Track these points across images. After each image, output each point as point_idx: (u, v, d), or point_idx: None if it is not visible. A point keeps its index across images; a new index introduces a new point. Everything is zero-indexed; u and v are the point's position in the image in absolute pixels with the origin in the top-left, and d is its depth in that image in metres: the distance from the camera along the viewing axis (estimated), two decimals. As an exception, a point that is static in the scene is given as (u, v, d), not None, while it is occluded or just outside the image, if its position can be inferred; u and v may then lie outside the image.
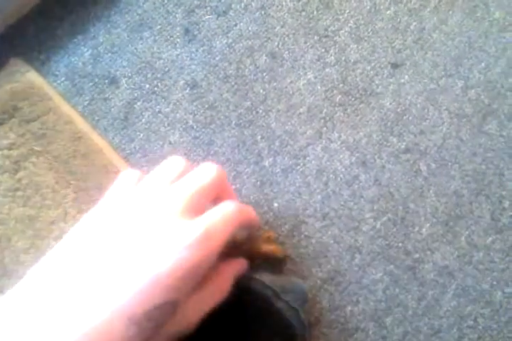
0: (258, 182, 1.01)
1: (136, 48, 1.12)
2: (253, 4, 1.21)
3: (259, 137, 1.06)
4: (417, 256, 0.92)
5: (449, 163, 1.04)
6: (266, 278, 0.71)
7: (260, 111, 1.11)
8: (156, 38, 1.14)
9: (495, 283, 0.91)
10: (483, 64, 1.21)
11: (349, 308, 0.86)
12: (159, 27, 1.16)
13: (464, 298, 0.89)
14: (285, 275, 0.83)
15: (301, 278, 0.85)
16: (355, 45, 1.24)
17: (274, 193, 0.99)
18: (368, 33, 1.26)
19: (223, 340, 0.60)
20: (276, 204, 0.97)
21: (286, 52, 1.25)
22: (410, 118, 1.12)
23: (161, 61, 1.14)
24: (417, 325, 0.86)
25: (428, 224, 0.96)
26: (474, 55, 1.19)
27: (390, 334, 0.85)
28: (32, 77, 0.92)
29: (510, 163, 1.04)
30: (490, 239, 0.95)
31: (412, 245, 0.93)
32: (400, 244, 0.93)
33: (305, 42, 1.25)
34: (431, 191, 1.00)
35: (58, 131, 0.81)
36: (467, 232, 0.95)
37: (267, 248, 0.29)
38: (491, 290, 0.90)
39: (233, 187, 0.98)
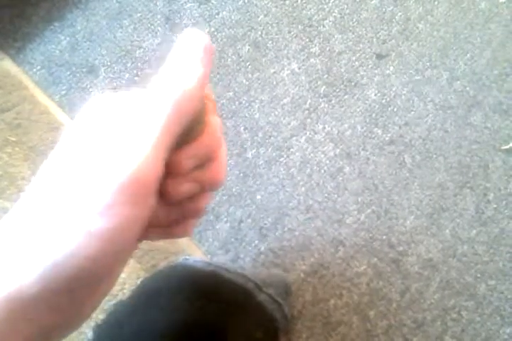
0: (241, 174, 1.01)
1: (115, 36, 1.11)
2: (236, -8, 1.21)
3: (242, 128, 1.06)
4: (400, 248, 0.94)
5: (434, 155, 1.05)
6: (247, 271, 0.71)
7: (243, 101, 1.11)
8: (136, 26, 1.13)
9: (479, 275, 0.93)
10: (468, 55, 1.23)
11: (332, 301, 0.87)
12: (139, 15, 1.15)
13: (448, 291, 0.91)
14: (267, 268, 0.84)
15: (284, 271, 0.86)
16: (340, 35, 1.24)
17: (257, 185, 1.00)
18: (353, 23, 1.27)
19: (204, 334, 0.60)
20: (259, 197, 0.97)
21: (270, 41, 1.25)
22: (395, 109, 1.14)
23: (141, 50, 1.13)
24: (400, 318, 0.88)
25: (412, 217, 0.97)
26: (460, 46, 1.21)
27: (374, 327, 0.86)
28: (6, 65, 0.90)
29: (495, 154, 1.06)
30: (474, 231, 0.97)
31: (396, 238, 0.95)
32: (384, 237, 0.94)
33: (289, 32, 1.25)
34: (415, 183, 1.01)
35: (34, 121, 0.81)
36: (451, 225, 0.97)
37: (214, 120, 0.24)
38: (474, 282, 0.92)
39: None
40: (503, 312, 0.89)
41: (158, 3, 1.16)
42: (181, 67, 0.28)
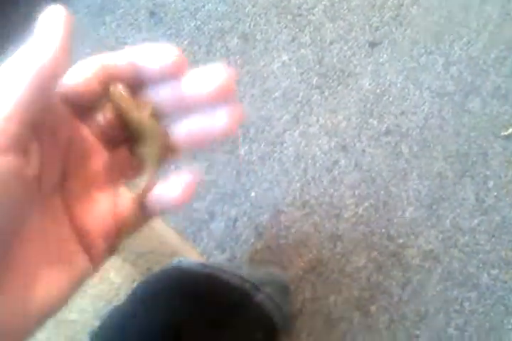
0: (234, 172, 1.01)
1: (98, 34, 1.11)
2: (222, -17, 1.20)
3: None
4: (400, 241, 0.94)
5: (432, 144, 1.05)
6: (244, 271, 0.71)
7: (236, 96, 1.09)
8: (120, 22, 1.12)
9: (481, 265, 0.93)
10: (464, 39, 1.22)
11: (332, 298, 0.87)
12: (122, 10, 1.14)
13: (450, 282, 0.91)
14: (264, 266, 0.84)
15: (282, 269, 0.86)
16: (331, 24, 1.23)
17: (251, 182, 0.99)
18: (344, 10, 1.26)
19: (203, 336, 0.61)
20: (253, 194, 0.97)
21: (259, 33, 1.24)
22: (390, 98, 1.13)
23: (126, 46, 1.11)
24: (402, 311, 0.88)
25: (411, 208, 0.97)
26: (455, 30, 1.20)
27: (375, 322, 0.86)
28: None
29: (495, 141, 1.05)
30: (475, 220, 0.97)
31: (395, 230, 0.95)
32: (383, 230, 0.94)
33: (278, 23, 1.24)
34: (414, 174, 1.01)
35: None
36: (452, 215, 0.97)
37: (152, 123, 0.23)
38: (477, 273, 0.92)
39: (208, 178, 0.98)
40: (506, 302, 0.89)
41: (141, -2, 1.15)
42: (38, 42, 0.28)
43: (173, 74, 0.29)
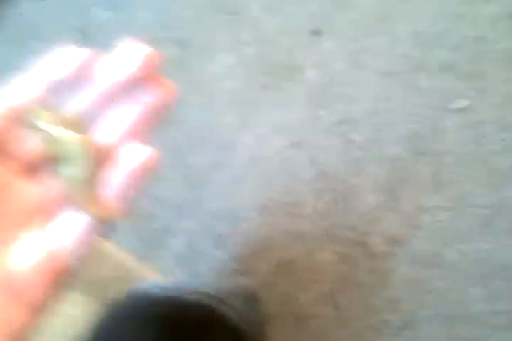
0: (186, 184, 1.01)
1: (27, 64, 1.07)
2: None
3: (181, 135, 1.04)
4: (363, 230, 0.95)
5: (383, 128, 1.05)
6: (208, 285, 0.72)
7: (177, 107, 1.08)
8: (49, 48, 1.10)
9: (447, 242, 0.94)
10: (407, 15, 1.21)
11: (302, 296, 0.88)
12: (48, 35, 1.12)
13: (418, 264, 0.92)
14: (230, 277, 0.85)
15: (248, 276, 0.87)
16: (270, 18, 1.22)
17: (205, 193, 1.00)
18: (280, 2, 1.25)
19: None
20: (208, 205, 0.98)
21: (196, 38, 1.22)
22: (337, 86, 1.13)
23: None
24: (373, 299, 0.89)
25: (371, 195, 0.98)
26: (397, 7, 1.19)
27: (347, 313, 0.88)
28: None
29: (447, 115, 1.05)
30: (435, 198, 0.97)
31: (356, 220, 0.96)
32: (344, 222, 0.95)
33: (214, 24, 1.22)
34: (369, 160, 1.02)
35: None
36: (411, 195, 0.97)
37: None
38: (444, 250, 0.93)
39: (158, 194, 0.97)
40: (470, 275, 0.90)
41: (67, 18, 1.13)
42: None
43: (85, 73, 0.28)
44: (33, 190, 0.28)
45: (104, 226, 0.28)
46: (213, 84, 1.13)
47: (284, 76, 1.14)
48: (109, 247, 0.76)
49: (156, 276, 0.81)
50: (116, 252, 0.76)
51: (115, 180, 0.28)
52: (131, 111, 0.29)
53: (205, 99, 1.11)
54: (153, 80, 0.29)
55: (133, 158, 0.28)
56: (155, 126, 0.29)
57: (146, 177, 0.28)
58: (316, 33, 1.21)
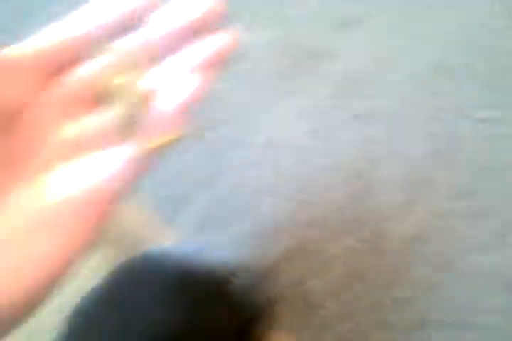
0: (206, 158, 0.98)
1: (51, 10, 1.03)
2: None
3: (204, 112, 1.01)
4: (375, 227, 0.93)
5: (402, 128, 1.03)
6: (222, 255, 0.72)
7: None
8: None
9: (460, 250, 0.92)
10: (438, 18, 1.20)
11: (311, 284, 0.86)
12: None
13: (429, 268, 0.90)
14: (244, 249, 0.83)
15: (259, 255, 0.85)
16: (300, 4, 1.20)
17: (226, 166, 0.97)
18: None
19: (178, 331, 0.60)
20: (226, 179, 0.95)
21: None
22: (361, 81, 1.11)
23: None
24: (380, 298, 0.88)
25: (386, 194, 0.97)
26: (426, 11, 1.18)
27: (351, 309, 0.86)
28: None
29: (470, 124, 1.04)
30: (449, 205, 0.96)
31: (369, 216, 0.94)
32: (358, 217, 0.94)
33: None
34: (385, 159, 1.00)
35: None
36: (426, 199, 0.96)
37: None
38: (456, 258, 0.91)
39: (180, 165, 0.94)
40: (483, 284, 0.89)
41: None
42: None
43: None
44: (76, 124, 0.27)
45: (149, 159, 0.27)
46: (241, 65, 1.10)
47: (311, 64, 1.12)
48: (130, 209, 0.74)
49: (174, 241, 0.80)
50: (136, 213, 0.74)
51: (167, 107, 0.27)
52: (192, 56, 0.29)
53: (232, 78, 1.07)
54: (216, 29, 0.29)
55: (183, 87, 0.27)
56: (212, 74, 0.28)
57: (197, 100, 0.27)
58: (346, 25, 1.20)
